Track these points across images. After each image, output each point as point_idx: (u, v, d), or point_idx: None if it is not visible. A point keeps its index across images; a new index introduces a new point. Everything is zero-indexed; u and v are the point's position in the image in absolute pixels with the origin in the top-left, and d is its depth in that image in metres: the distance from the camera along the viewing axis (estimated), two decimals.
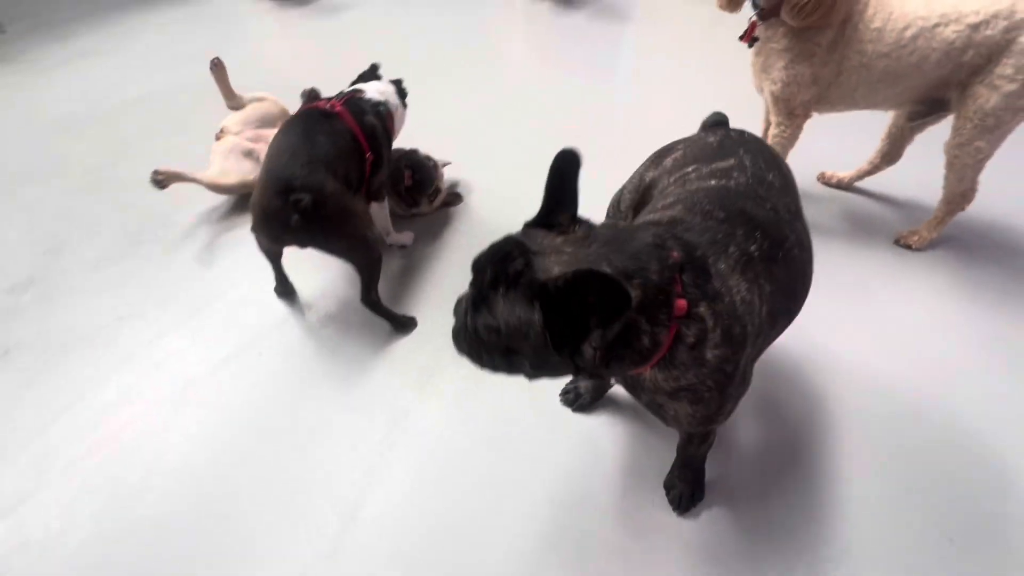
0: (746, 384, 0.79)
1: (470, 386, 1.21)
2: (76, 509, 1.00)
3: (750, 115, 1.99)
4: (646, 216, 0.86)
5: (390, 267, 1.53)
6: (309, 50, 2.85)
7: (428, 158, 1.66)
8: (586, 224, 0.70)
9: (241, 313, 1.39)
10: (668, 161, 0.96)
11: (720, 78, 2.56)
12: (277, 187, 1.12)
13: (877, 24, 1.29)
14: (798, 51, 1.35)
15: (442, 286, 1.47)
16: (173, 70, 2.51)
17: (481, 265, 0.68)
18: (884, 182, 1.81)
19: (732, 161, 0.87)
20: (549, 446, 1.11)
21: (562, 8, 3.43)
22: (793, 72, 1.38)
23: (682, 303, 0.67)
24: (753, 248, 0.75)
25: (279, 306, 1.41)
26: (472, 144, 2.08)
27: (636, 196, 1.00)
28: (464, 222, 1.70)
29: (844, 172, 1.82)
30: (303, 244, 1.22)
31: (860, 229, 1.68)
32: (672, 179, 0.91)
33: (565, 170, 0.69)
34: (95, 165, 1.92)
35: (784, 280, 0.78)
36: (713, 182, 0.85)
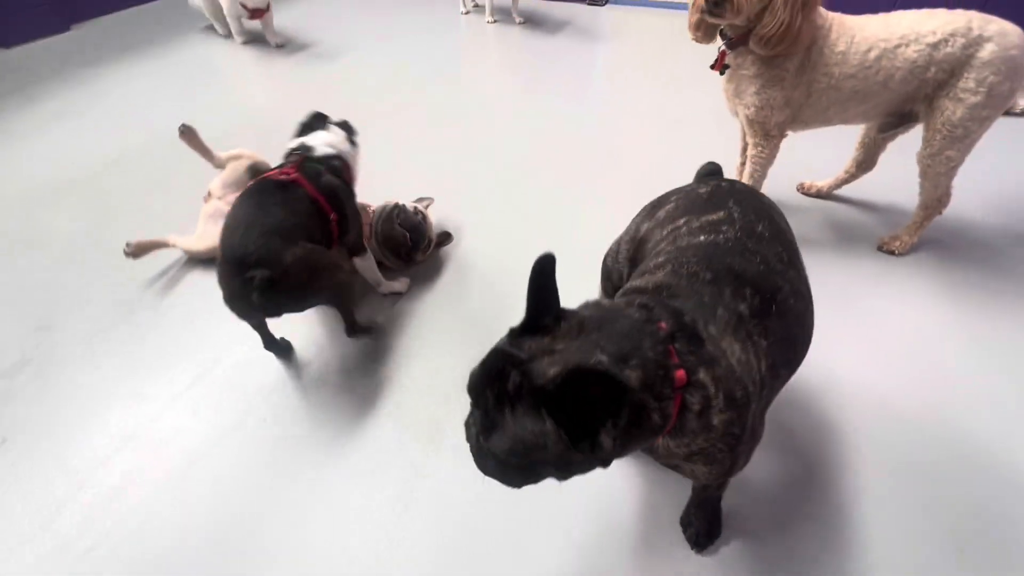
0: (756, 438, 0.80)
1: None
2: None
3: (726, 129, 2.05)
4: (635, 280, 0.87)
5: (387, 315, 1.53)
6: (285, 91, 2.85)
7: (416, 211, 1.63)
8: (572, 313, 0.69)
9: (241, 377, 1.38)
10: (661, 213, 0.97)
11: (693, 92, 2.62)
12: (233, 265, 1.11)
13: (841, 47, 1.34)
14: (768, 77, 1.39)
15: (444, 330, 1.48)
16: (150, 124, 2.49)
17: (478, 388, 0.67)
18: (863, 188, 1.86)
19: (722, 214, 0.88)
20: (562, 489, 1.11)
21: (531, 31, 3.48)
22: (765, 96, 1.42)
23: (681, 373, 0.67)
24: (743, 307, 0.75)
25: (277, 365, 1.40)
26: (454, 177, 2.09)
27: (632, 247, 1.01)
28: (455, 259, 1.71)
29: (822, 181, 1.87)
30: (274, 315, 1.22)
31: (843, 237, 1.72)
32: (664, 232, 0.92)
33: (546, 274, 0.67)
34: (78, 232, 1.90)
35: (781, 332, 0.78)
36: (702, 238, 0.86)
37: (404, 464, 1.18)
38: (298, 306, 1.24)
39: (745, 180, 1.60)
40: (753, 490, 1.11)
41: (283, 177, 1.26)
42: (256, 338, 1.43)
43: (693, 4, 1.38)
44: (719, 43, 1.46)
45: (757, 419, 0.77)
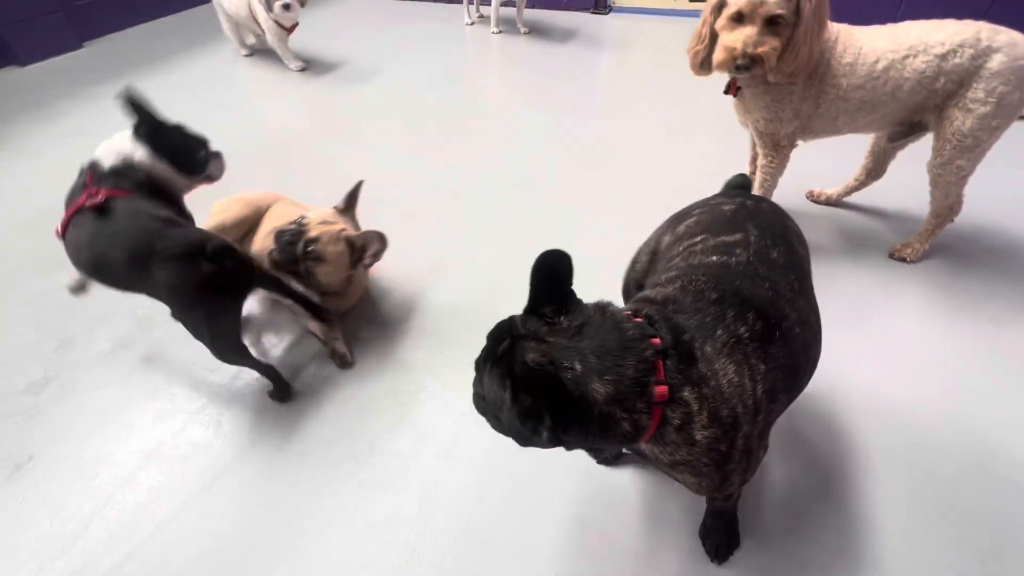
0: (753, 458, 0.80)
1: (497, 448, 1.22)
2: None
3: (734, 138, 2.06)
4: (647, 291, 0.89)
5: (404, 330, 1.54)
6: (294, 106, 2.89)
7: (294, 229, 1.38)
8: (578, 312, 0.75)
9: (263, 394, 1.40)
10: (682, 228, 0.99)
11: (700, 101, 2.63)
12: (184, 259, 1.08)
13: (848, 59, 1.35)
14: (777, 92, 1.41)
15: (457, 343, 1.49)
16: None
17: (487, 338, 0.77)
18: (873, 196, 1.86)
19: (738, 236, 0.89)
20: (581, 503, 1.12)
21: (536, 40, 3.51)
22: (775, 110, 1.43)
23: (662, 389, 0.71)
24: (743, 330, 0.76)
25: (300, 384, 1.42)
26: (456, 188, 2.11)
27: (649, 259, 1.03)
28: (465, 272, 1.72)
29: (832, 189, 1.88)
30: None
31: (853, 245, 1.73)
32: (680, 248, 0.94)
33: (549, 268, 0.75)
34: None
35: (784, 359, 0.78)
36: (715, 258, 0.87)
37: (424, 479, 1.19)
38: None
39: (755, 190, 1.61)
40: (769, 499, 1.11)
41: (98, 200, 1.17)
42: (275, 350, 1.45)
43: (698, 38, 1.39)
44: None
45: (754, 440, 0.78)
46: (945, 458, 1.16)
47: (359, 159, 2.38)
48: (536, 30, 3.68)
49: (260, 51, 3.46)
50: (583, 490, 1.14)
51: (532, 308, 0.76)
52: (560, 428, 0.70)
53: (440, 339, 1.51)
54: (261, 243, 1.52)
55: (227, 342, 1.22)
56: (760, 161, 1.58)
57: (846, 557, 1.02)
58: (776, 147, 1.52)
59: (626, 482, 1.15)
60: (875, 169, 1.73)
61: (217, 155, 1.42)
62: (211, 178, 1.43)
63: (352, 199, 1.52)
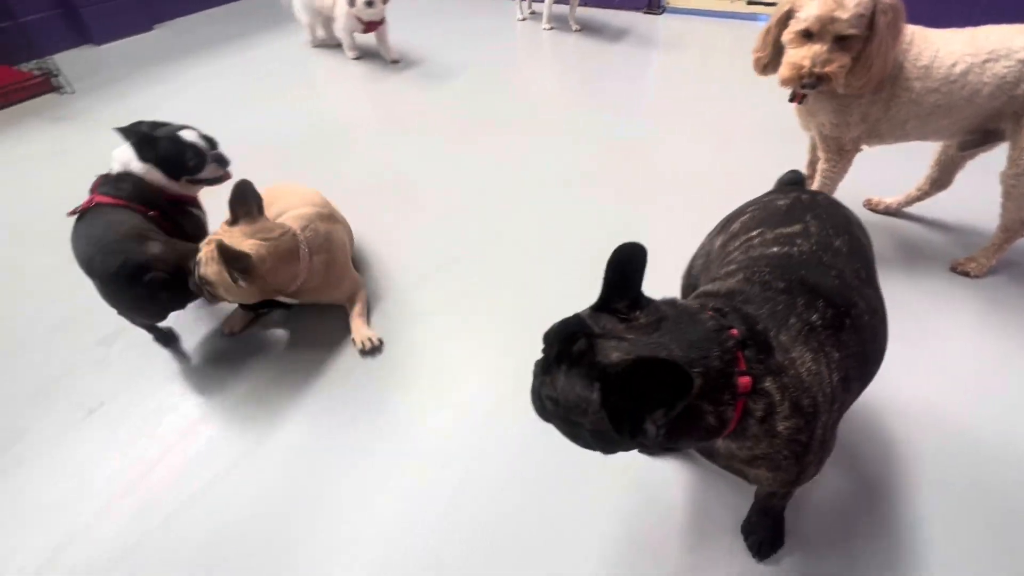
0: (827, 449, 0.80)
1: (538, 433, 1.24)
2: (179, 554, 1.07)
3: (789, 141, 2.02)
4: (706, 285, 0.88)
5: (441, 320, 1.58)
6: (346, 95, 2.98)
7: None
8: (651, 308, 0.72)
9: (317, 366, 1.45)
10: (736, 225, 0.98)
11: (754, 103, 2.59)
12: (123, 278, 1.23)
13: (924, 62, 1.31)
14: (844, 96, 1.38)
15: (503, 331, 1.52)
16: (223, 123, 2.65)
17: (550, 339, 0.72)
18: (935, 207, 1.80)
19: (798, 227, 0.88)
20: (619, 491, 1.13)
21: (587, 38, 3.51)
22: (841, 114, 1.40)
23: (746, 380, 0.69)
24: (815, 317, 0.75)
25: (327, 361, 1.47)
26: (500, 186, 2.14)
27: (704, 263, 1.03)
28: (508, 270, 1.75)
29: (891, 198, 1.82)
30: (180, 307, 1.42)
31: (913, 256, 1.68)
32: (737, 243, 0.93)
33: (624, 262, 0.72)
34: None
35: (854, 346, 0.78)
36: (775, 249, 0.86)
37: (460, 456, 1.22)
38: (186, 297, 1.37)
39: None
40: (816, 504, 1.10)
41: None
42: (301, 345, 1.51)
43: (762, 44, 1.38)
44: None
45: (828, 431, 0.78)
46: (999, 477, 1.12)
47: (401, 149, 2.44)
48: (587, 28, 3.68)
49: (326, 42, 3.56)
50: (621, 479, 1.15)
51: (604, 304, 0.73)
52: (663, 429, 0.66)
53: (480, 331, 1.54)
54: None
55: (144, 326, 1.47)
56: (821, 165, 1.55)
57: (892, 567, 1.00)
58: (840, 151, 1.49)
59: (668, 472, 1.16)
60: (941, 179, 1.67)
61: (218, 159, 1.52)
62: (211, 181, 1.54)
63: (235, 206, 1.32)
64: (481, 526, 1.09)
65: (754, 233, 0.92)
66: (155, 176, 1.44)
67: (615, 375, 0.63)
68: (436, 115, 2.69)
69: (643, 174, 2.15)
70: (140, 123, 1.45)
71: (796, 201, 0.95)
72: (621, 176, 2.15)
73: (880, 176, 1.91)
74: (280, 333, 1.55)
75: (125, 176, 1.41)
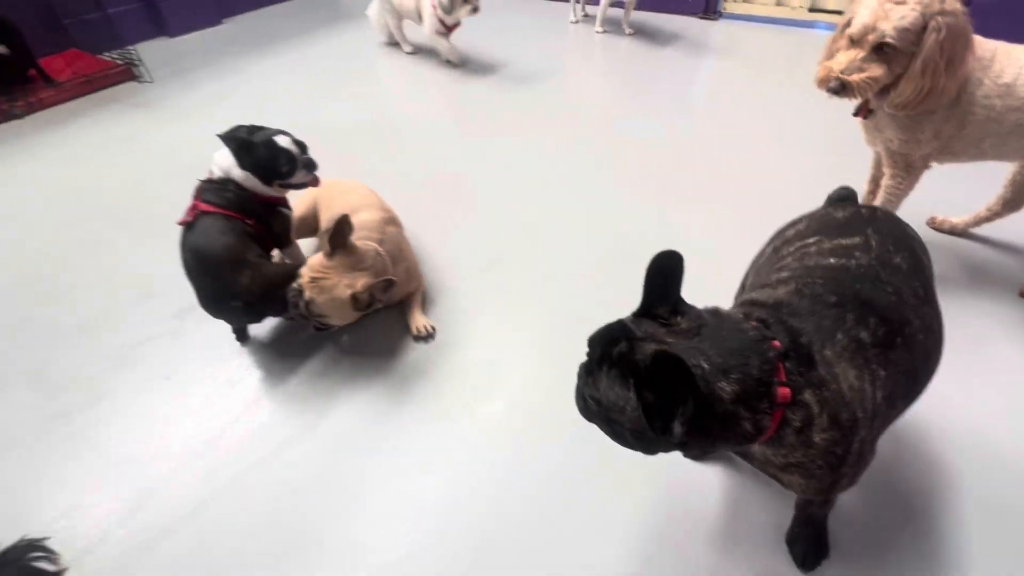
0: (864, 462, 0.80)
1: (581, 429, 1.27)
2: (242, 515, 1.15)
3: (848, 155, 1.97)
4: (753, 292, 0.88)
5: (492, 311, 1.63)
6: (405, 91, 3.07)
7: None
8: (692, 314, 0.74)
9: (377, 343, 1.53)
10: (791, 231, 0.98)
11: (812, 115, 2.53)
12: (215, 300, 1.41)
13: (1006, 79, 1.27)
14: (917, 112, 1.34)
15: (554, 331, 1.55)
16: (288, 114, 2.78)
17: (593, 343, 0.76)
18: (1006, 228, 1.73)
19: (857, 239, 0.88)
20: (662, 490, 1.15)
21: (640, 42, 3.50)
22: (912, 130, 1.37)
23: (785, 391, 0.70)
24: (864, 334, 0.76)
25: (382, 354, 1.54)
26: (545, 187, 2.17)
27: (756, 268, 1.03)
28: (554, 272, 1.78)
29: (958, 217, 1.76)
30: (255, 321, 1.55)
31: (978, 279, 1.62)
32: (792, 248, 0.93)
33: (663, 269, 0.74)
34: None
35: (904, 365, 0.77)
36: (832, 260, 0.86)
37: (481, 459, 1.26)
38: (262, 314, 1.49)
39: None
40: (860, 518, 1.09)
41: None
42: (354, 328, 1.58)
43: (827, 53, 1.36)
44: None
45: (866, 445, 0.78)
46: None
47: (451, 146, 2.50)
48: (641, 32, 3.66)
49: (390, 42, 3.66)
50: (663, 478, 1.17)
51: (645, 310, 0.75)
52: (685, 427, 0.68)
53: (527, 329, 1.58)
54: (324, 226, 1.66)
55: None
56: (886, 181, 1.52)
57: None
58: (908, 168, 1.45)
59: (710, 477, 1.17)
60: (1014, 200, 1.60)
61: (308, 164, 1.53)
62: (300, 186, 1.55)
63: (336, 240, 1.38)
64: (522, 509, 1.13)
65: (811, 240, 0.92)
66: (252, 182, 1.47)
67: (643, 369, 0.67)
68: (485, 114, 2.75)
69: (692, 181, 2.14)
70: (239, 128, 1.47)
71: (856, 214, 0.95)
72: (669, 182, 2.14)
73: (945, 194, 1.84)
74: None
75: (226, 183, 1.46)
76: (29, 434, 1.33)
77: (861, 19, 1.22)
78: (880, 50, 1.22)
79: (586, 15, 4.00)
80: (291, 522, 1.14)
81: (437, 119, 2.77)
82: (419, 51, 3.46)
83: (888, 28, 1.19)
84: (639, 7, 3.82)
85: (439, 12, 2.97)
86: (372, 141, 2.54)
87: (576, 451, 1.23)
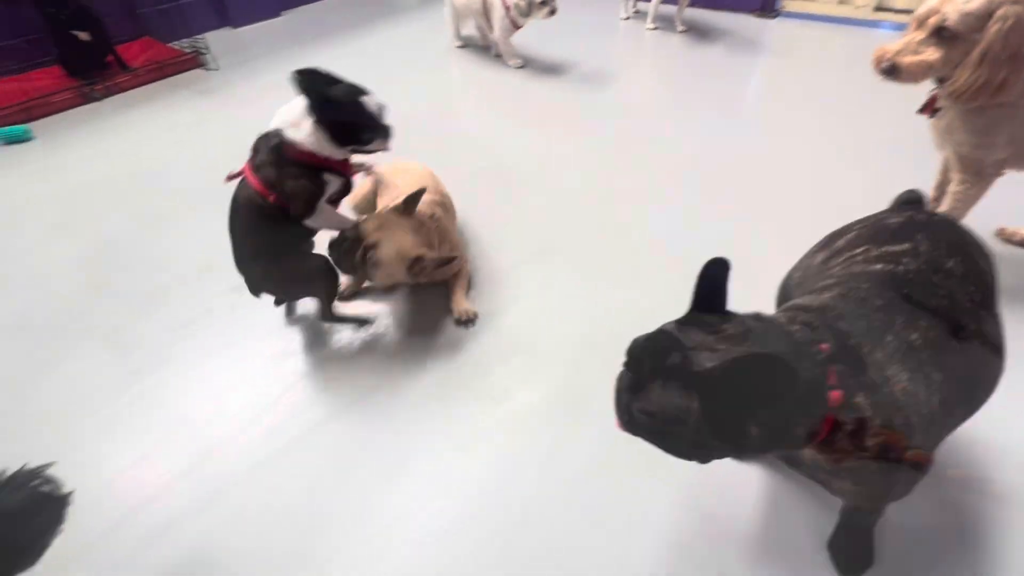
0: (920, 470, 0.76)
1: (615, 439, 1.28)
2: (295, 478, 1.22)
3: (910, 161, 1.88)
4: (799, 298, 0.87)
5: (533, 306, 1.65)
6: (455, 86, 3.12)
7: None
8: (738, 321, 0.73)
9: (426, 321, 1.58)
10: (841, 242, 0.96)
11: (873, 118, 2.43)
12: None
13: None
14: (993, 114, 1.28)
15: (602, 326, 1.56)
16: None
17: (637, 354, 0.75)
18: None
19: (906, 245, 0.85)
20: (698, 488, 1.15)
21: (692, 40, 3.44)
22: (987, 134, 1.30)
23: (837, 394, 0.69)
24: (915, 336, 0.74)
25: (424, 336, 1.57)
26: (588, 187, 2.17)
27: (803, 276, 1.01)
28: (596, 267, 1.78)
29: None
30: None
31: None
32: (840, 259, 0.92)
33: (712, 277, 0.74)
34: None
35: (960, 370, 0.75)
36: (879, 266, 0.84)
37: (507, 466, 1.27)
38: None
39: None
40: (910, 527, 1.05)
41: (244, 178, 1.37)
42: (397, 309, 1.63)
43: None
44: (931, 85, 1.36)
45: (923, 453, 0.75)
46: None
47: (503, 138, 2.53)
48: (694, 29, 3.59)
49: (469, 42, 3.73)
50: (699, 476, 1.16)
51: (693, 316, 0.75)
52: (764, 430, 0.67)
53: (570, 320, 1.59)
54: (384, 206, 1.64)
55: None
56: (953, 187, 1.45)
57: None
58: (978, 174, 1.38)
59: (752, 479, 1.16)
60: None
61: (386, 133, 1.38)
62: (371, 152, 1.40)
63: (409, 204, 1.47)
64: (553, 498, 1.15)
65: (858, 251, 0.90)
66: (319, 143, 1.28)
67: (713, 380, 0.65)
68: (536, 109, 2.76)
69: (744, 184, 2.10)
70: (313, 75, 1.28)
71: (909, 220, 0.92)
72: (719, 184, 2.11)
73: (1018, 203, 1.74)
74: (383, 304, 1.69)
75: (269, 137, 1.31)
76: (104, 389, 1.45)
77: (929, 1, 1.18)
78: (940, 34, 1.18)
79: (637, 11, 3.95)
80: (333, 491, 1.20)
81: (491, 113, 2.81)
82: (468, 45, 3.50)
83: (951, 11, 1.14)
84: (692, 3, 3.75)
85: (513, 13, 2.94)
86: (427, 132, 2.59)
87: (611, 447, 1.24)
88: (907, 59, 1.19)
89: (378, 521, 1.14)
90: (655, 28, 3.63)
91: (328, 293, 1.50)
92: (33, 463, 0.85)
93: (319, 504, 1.18)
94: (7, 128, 2.66)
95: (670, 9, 3.63)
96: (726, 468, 1.17)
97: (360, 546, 1.10)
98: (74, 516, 0.85)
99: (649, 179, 2.16)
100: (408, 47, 3.61)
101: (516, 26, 3.04)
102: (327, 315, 1.56)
